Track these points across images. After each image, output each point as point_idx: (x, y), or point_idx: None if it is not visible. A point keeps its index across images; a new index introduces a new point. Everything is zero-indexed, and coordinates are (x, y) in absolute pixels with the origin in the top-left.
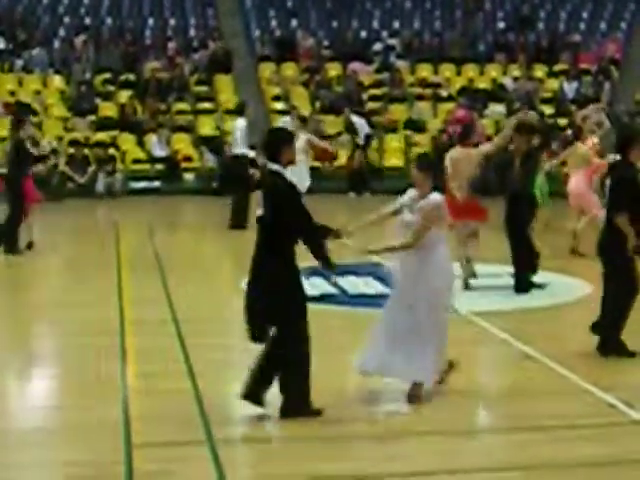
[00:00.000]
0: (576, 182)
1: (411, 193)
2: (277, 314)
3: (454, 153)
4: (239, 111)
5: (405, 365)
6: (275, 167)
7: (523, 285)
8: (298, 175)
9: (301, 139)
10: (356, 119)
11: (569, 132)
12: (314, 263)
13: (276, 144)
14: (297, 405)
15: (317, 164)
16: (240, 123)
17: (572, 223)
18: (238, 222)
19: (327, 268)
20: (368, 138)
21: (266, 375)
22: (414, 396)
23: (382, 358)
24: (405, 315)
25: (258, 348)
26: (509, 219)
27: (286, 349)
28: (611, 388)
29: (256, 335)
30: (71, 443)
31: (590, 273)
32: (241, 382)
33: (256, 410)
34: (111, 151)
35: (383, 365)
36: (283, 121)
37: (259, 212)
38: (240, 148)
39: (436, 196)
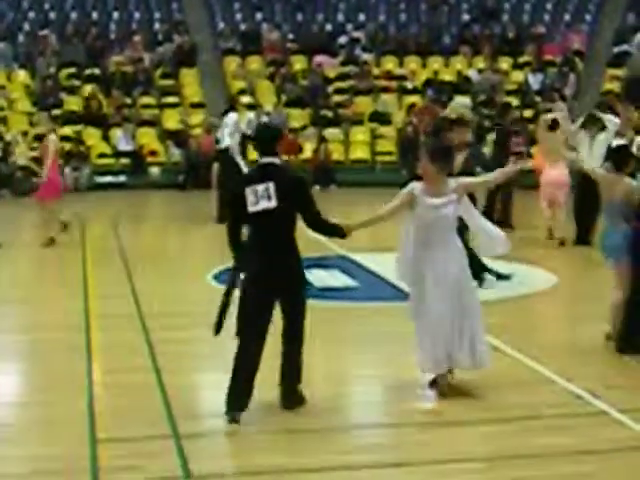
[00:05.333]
0: (562, 173)
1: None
2: (298, 299)
3: None
4: (230, 106)
5: (471, 354)
6: (274, 160)
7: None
8: None
9: None
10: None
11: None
12: None
13: (272, 139)
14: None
15: (282, 157)
16: (232, 117)
17: (550, 214)
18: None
19: (342, 237)
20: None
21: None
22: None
23: (450, 351)
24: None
25: (220, 341)
26: None
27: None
28: (577, 378)
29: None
30: (37, 438)
31: (554, 264)
32: (206, 375)
33: (221, 404)
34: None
35: (452, 358)
36: (248, 117)
37: (265, 205)
38: (230, 142)
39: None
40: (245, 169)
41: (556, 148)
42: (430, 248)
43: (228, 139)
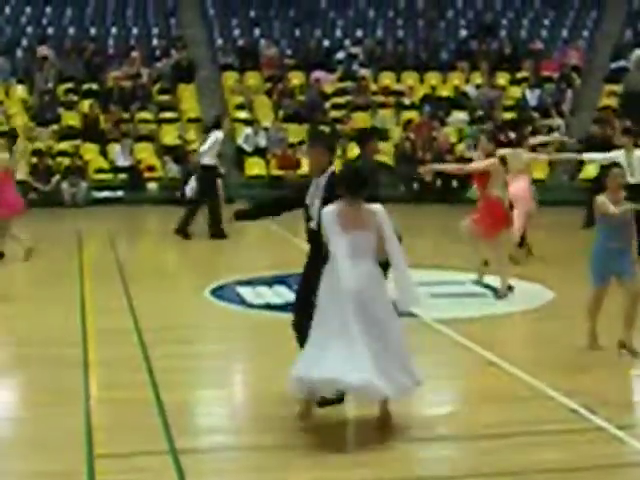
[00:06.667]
0: (518, 186)
1: None
2: None
3: None
4: (216, 124)
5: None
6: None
7: None
8: None
9: None
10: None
11: (512, 135)
12: (279, 272)
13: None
14: None
15: (280, 172)
16: (217, 135)
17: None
18: (218, 231)
19: None
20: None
21: None
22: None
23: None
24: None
25: (218, 356)
26: None
27: None
28: (573, 394)
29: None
30: (33, 454)
31: (551, 279)
32: (205, 390)
33: (218, 420)
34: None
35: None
36: (246, 133)
37: None
38: (210, 159)
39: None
40: (220, 190)
41: (520, 161)
42: None
43: (207, 158)
